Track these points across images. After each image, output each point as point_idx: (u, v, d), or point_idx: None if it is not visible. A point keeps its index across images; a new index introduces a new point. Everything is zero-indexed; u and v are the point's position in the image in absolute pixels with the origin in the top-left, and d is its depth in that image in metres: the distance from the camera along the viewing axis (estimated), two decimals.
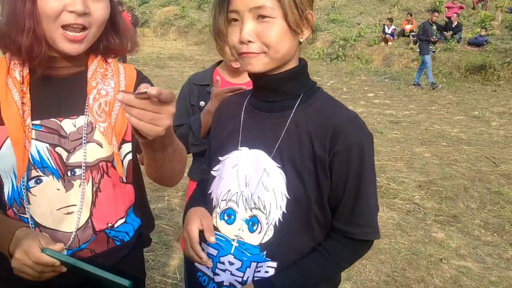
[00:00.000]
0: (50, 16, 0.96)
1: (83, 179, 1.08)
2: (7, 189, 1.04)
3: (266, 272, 1.07)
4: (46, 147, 1.04)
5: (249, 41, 0.99)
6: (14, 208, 1.04)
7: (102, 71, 1.14)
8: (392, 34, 15.30)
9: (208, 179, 1.22)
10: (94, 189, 1.10)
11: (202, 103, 1.84)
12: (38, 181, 1.04)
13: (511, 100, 10.09)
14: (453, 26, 14.29)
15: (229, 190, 1.12)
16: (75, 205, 1.08)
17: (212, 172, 1.19)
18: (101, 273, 0.91)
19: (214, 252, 1.13)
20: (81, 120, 1.08)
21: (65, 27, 0.99)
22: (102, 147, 1.10)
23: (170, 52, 17.16)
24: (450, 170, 5.33)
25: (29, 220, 1.04)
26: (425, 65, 11.37)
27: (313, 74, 13.09)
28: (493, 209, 4.30)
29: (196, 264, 1.17)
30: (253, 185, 1.08)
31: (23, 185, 1.03)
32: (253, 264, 1.08)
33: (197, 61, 15.07)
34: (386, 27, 15.35)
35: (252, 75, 1.09)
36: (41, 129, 1.04)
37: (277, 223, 1.06)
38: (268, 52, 1.00)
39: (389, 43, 15.23)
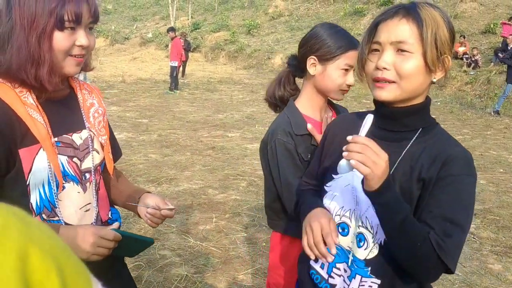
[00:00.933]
0: (64, 51, 1.16)
1: (93, 181, 1.32)
2: (34, 199, 1.19)
3: (370, 287, 1.17)
4: (66, 159, 1.24)
5: (384, 68, 1.09)
6: (43, 215, 1.21)
7: (86, 92, 1.38)
8: None
9: (313, 191, 1.39)
10: (96, 188, 1.34)
11: (308, 155, 1.64)
12: (62, 188, 1.24)
13: None
14: (509, 48, 13.78)
15: (343, 207, 1.24)
16: (90, 203, 1.31)
17: (325, 187, 1.31)
18: (137, 236, 1.32)
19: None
20: (84, 133, 1.31)
21: (71, 55, 1.19)
22: (99, 154, 1.35)
23: (220, 76, 17.56)
24: (508, 198, 5.10)
25: (61, 221, 1.24)
26: (504, 93, 10.60)
27: (362, 97, 12.97)
28: None
29: (311, 262, 1.29)
30: (363, 206, 1.18)
31: (54, 193, 1.21)
32: (358, 277, 1.19)
33: (246, 85, 15.32)
34: None
35: (378, 103, 1.18)
36: (60, 145, 1.23)
37: (382, 243, 1.15)
38: (400, 82, 1.09)
39: None
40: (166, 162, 6.10)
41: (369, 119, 1.07)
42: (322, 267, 1.29)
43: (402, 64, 1.08)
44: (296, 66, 1.73)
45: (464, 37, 15.50)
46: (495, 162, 6.65)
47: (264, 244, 3.78)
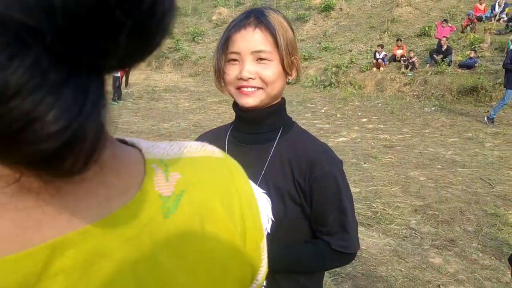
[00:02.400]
0: None
1: None
2: None
3: None
4: None
5: (249, 78, 1.13)
6: None
7: None
8: (383, 60, 15.52)
9: None
10: None
11: None
12: None
13: (504, 120, 10.15)
14: (443, 49, 14.50)
15: None
16: None
17: None
18: None
19: None
20: None
21: None
22: None
23: (165, 84, 17.30)
24: (446, 193, 5.31)
25: None
26: (503, 99, 9.61)
27: (307, 101, 13.18)
28: (490, 231, 4.26)
29: None
30: None
31: None
32: None
33: (192, 93, 15.19)
34: (377, 53, 15.57)
35: (241, 109, 1.21)
36: None
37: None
38: (265, 89, 1.15)
39: (381, 68, 15.42)
40: None
41: None
42: None
43: (264, 72, 1.14)
44: None
45: (401, 40, 16.14)
46: (434, 159, 6.93)
47: None
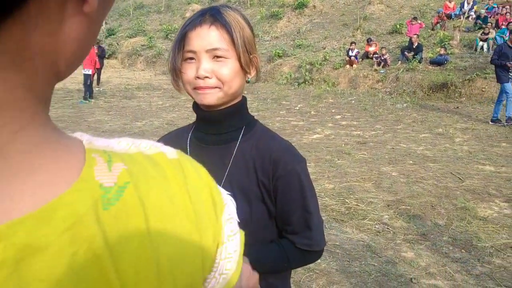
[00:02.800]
0: None
1: None
2: None
3: None
4: None
5: (206, 77, 1.11)
6: None
7: None
8: (356, 57, 15.68)
9: None
10: None
11: None
12: None
13: (473, 116, 10.41)
14: (414, 47, 14.75)
15: None
16: None
17: None
18: None
19: None
20: None
21: None
22: None
23: (138, 82, 17.09)
24: (417, 188, 5.41)
25: None
26: (506, 95, 9.34)
27: (282, 98, 13.22)
28: (460, 225, 4.35)
29: None
30: None
31: None
32: None
33: (166, 90, 15.04)
34: (350, 50, 15.73)
35: (202, 109, 1.20)
36: None
37: None
38: (222, 87, 1.14)
39: (354, 65, 15.59)
40: None
41: None
42: None
43: (220, 70, 1.12)
44: None
45: (371, 40, 16.34)
46: (405, 154, 7.05)
47: None
